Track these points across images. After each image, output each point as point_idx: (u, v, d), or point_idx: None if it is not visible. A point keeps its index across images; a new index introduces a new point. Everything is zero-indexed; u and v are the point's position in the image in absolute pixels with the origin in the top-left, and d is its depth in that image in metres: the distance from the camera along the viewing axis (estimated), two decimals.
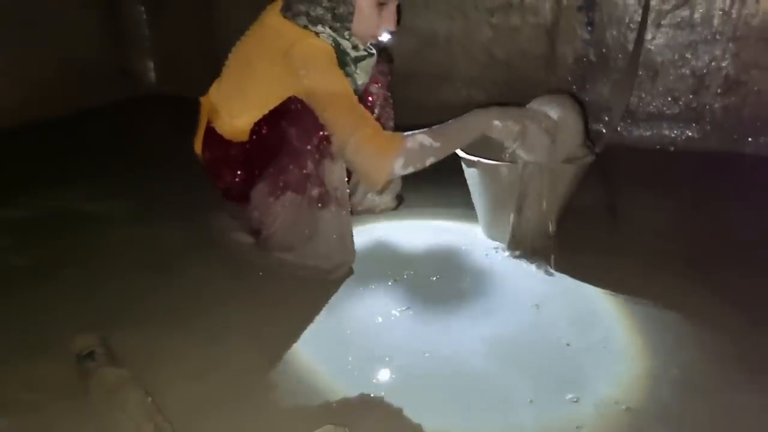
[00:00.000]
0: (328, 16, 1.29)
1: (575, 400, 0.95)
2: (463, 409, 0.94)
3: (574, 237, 1.50)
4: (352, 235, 1.38)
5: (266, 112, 1.30)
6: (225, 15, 2.93)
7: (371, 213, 1.68)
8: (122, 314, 1.22)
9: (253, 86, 1.34)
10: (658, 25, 2.12)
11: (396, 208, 1.71)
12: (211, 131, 1.40)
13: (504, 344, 1.10)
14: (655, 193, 1.82)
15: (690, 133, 2.19)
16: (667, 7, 2.09)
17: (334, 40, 1.31)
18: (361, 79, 1.41)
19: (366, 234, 1.55)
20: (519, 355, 1.07)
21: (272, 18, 1.34)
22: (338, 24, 1.31)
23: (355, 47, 1.36)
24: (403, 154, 1.24)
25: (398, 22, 1.56)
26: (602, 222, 1.63)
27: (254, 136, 1.33)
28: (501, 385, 0.99)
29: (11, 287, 1.34)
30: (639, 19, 2.06)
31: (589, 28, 2.23)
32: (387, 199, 1.70)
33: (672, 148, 2.21)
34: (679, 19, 2.10)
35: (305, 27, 1.29)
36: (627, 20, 2.17)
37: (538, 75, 2.36)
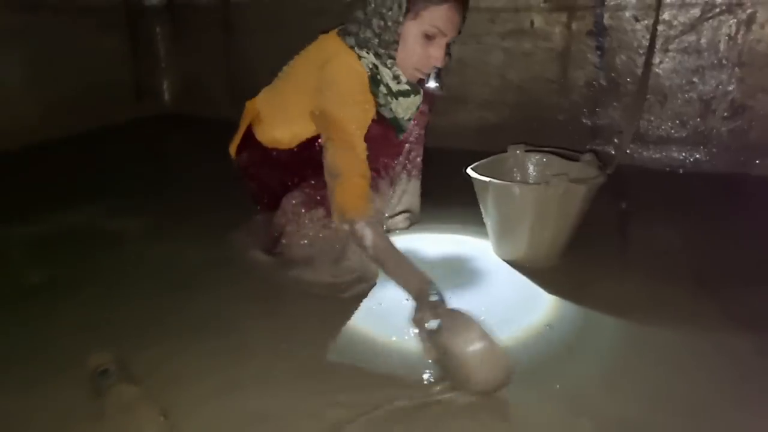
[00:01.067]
0: (375, 41, 1.30)
1: (586, 417, 0.97)
2: (477, 428, 0.95)
3: (585, 256, 1.53)
4: None
5: (305, 127, 1.32)
6: (242, 36, 3.01)
7: (387, 232, 1.72)
8: (139, 332, 1.23)
9: (293, 99, 1.38)
10: (666, 51, 2.17)
11: (408, 227, 1.75)
12: (251, 136, 1.44)
13: (518, 364, 1.13)
14: (664, 213, 1.84)
15: (698, 156, 2.23)
16: (674, 33, 2.14)
17: (375, 67, 1.32)
18: (401, 113, 1.39)
19: None
20: (534, 376, 1.09)
21: (328, 35, 1.37)
22: (383, 50, 1.31)
23: (396, 78, 1.35)
24: (352, 227, 1.22)
25: (448, 60, 1.58)
26: (613, 242, 1.65)
27: (303, 146, 1.36)
28: (514, 404, 1.01)
29: (28, 305, 1.35)
30: (647, 45, 2.11)
31: (599, 53, 2.29)
32: (401, 218, 1.73)
33: (681, 171, 2.25)
34: (686, 45, 2.15)
35: (351, 47, 1.31)
36: (635, 45, 2.22)
37: (550, 98, 2.41)
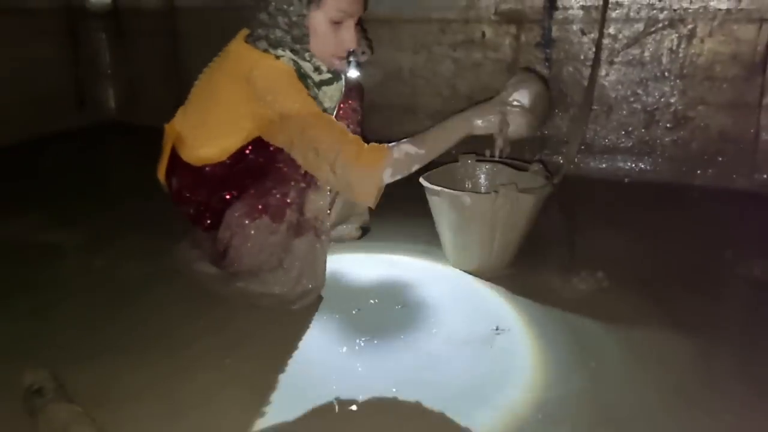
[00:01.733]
0: (288, 38, 1.30)
1: (539, 417, 0.97)
2: None
3: (535, 264, 1.54)
4: (326, 264, 1.38)
5: (233, 139, 1.29)
6: (189, 43, 2.94)
7: (337, 242, 1.69)
8: (77, 349, 1.18)
9: (216, 115, 1.34)
10: (611, 63, 2.23)
11: (360, 237, 1.73)
12: (177, 158, 1.39)
13: (465, 370, 1.12)
14: (610, 222, 1.88)
15: (643, 166, 2.29)
16: (618, 46, 2.20)
17: (295, 63, 1.32)
18: (327, 103, 1.40)
19: (330, 263, 1.55)
20: (479, 382, 1.09)
21: (235, 45, 1.35)
22: (297, 46, 1.31)
23: (317, 69, 1.35)
24: (391, 164, 1.25)
25: (369, 45, 1.59)
26: (561, 250, 1.67)
27: (236, 158, 1.32)
28: (463, 414, 1.00)
29: None
30: (593, 57, 2.16)
31: (547, 65, 2.33)
32: (351, 228, 1.71)
33: (627, 180, 2.30)
34: (630, 57, 2.21)
35: (265, 50, 1.30)
36: (582, 58, 2.27)
37: None
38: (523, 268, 1.53)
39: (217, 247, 1.40)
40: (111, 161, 2.67)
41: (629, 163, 2.31)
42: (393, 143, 1.30)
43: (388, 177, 1.27)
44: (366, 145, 1.28)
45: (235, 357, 1.16)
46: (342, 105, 1.52)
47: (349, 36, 1.33)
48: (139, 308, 1.34)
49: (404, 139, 1.30)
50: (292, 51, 1.32)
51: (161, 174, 1.45)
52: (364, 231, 1.73)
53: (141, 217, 1.86)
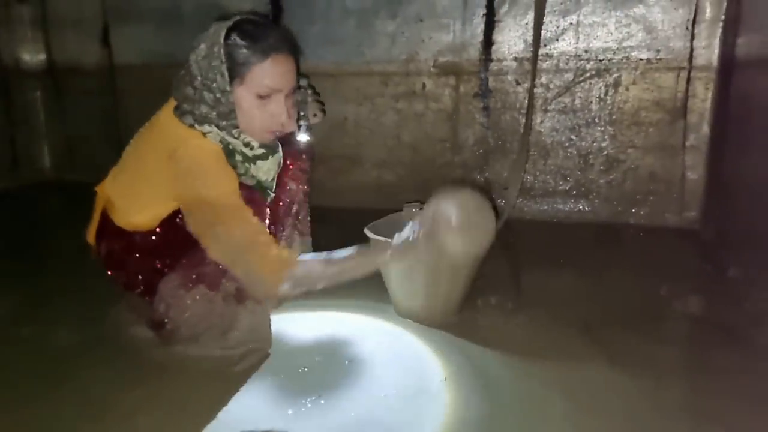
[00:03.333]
0: (213, 114, 1.24)
1: None
2: None
3: (481, 308, 1.57)
4: (270, 326, 1.35)
5: (164, 208, 1.26)
6: (128, 100, 2.91)
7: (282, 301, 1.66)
8: (2, 424, 1.10)
9: (144, 186, 1.30)
10: (546, 111, 2.34)
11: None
12: (107, 222, 1.35)
13: (415, 425, 1.10)
14: (553, 263, 1.93)
15: (581, 207, 2.37)
16: (551, 95, 2.31)
17: (222, 140, 1.26)
18: (262, 176, 1.35)
19: (275, 320, 1.53)
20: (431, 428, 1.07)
21: (164, 115, 1.30)
22: (224, 122, 1.25)
23: (247, 145, 1.29)
24: (292, 279, 1.19)
25: (321, 108, 1.57)
26: (506, 293, 1.70)
27: (166, 226, 1.29)
28: None
29: None
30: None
31: (486, 114, 2.41)
32: None
33: (567, 221, 2.38)
34: (562, 105, 2.32)
35: (191, 126, 1.25)
36: (518, 106, 2.37)
37: (444, 157, 2.50)
38: (469, 315, 1.54)
39: (154, 317, 1.35)
40: (43, 223, 2.55)
41: (568, 205, 2.39)
42: (306, 256, 1.24)
43: (287, 289, 1.21)
44: (275, 250, 1.21)
45: (174, 426, 1.10)
46: (291, 166, 1.50)
47: (278, 110, 1.26)
48: (70, 380, 1.26)
49: (319, 255, 1.24)
50: (219, 127, 1.25)
51: (90, 237, 1.40)
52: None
53: (72, 281, 1.78)
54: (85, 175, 3.13)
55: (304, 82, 1.50)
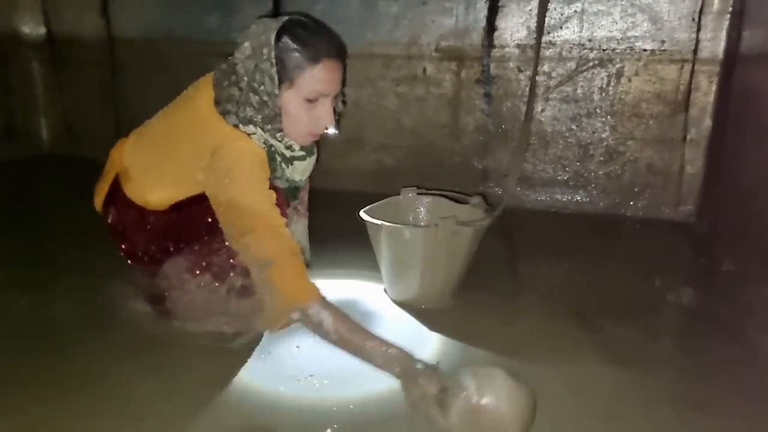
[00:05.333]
0: (258, 117, 1.21)
1: None
2: None
3: (476, 296, 1.56)
4: None
5: (184, 192, 1.25)
6: (128, 74, 2.88)
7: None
8: (1, 394, 1.11)
9: (172, 168, 1.28)
10: (547, 99, 2.33)
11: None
12: (118, 190, 1.33)
13: (404, 406, 1.11)
14: (550, 252, 1.93)
15: (579, 198, 2.38)
16: (553, 83, 2.30)
17: (266, 142, 1.24)
18: (297, 177, 1.34)
19: None
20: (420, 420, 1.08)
21: (206, 106, 1.25)
22: (269, 126, 1.23)
23: (289, 148, 1.28)
24: (303, 313, 1.13)
25: (338, 120, 1.54)
26: (502, 280, 1.70)
27: (183, 210, 1.28)
28: None
29: None
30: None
31: (487, 101, 2.40)
32: None
33: (565, 211, 2.38)
34: (564, 94, 2.31)
35: (235, 126, 1.22)
36: (519, 94, 2.36)
37: (443, 142, 2.49)
38: (464, 301, 1.54)
39: (155, 289, 1.35)
40: (41, 195, 2.54)
41: (567, 195, 2.39)
42: (327, 301, 1.15)
43: (297, 317, 1.15)
44: (302, 276, 1.17)
45: (167, 401, 1.11)
46: None
47: (324, 114, 1.25)
48: (68, 350, 1.27)
49: (338, 313, 1.14)
50: (264, 130, 1.24)
51: (98, 200, 1.38)
52: (305, 262, 1.71)
53: (72, 254, 1.78)
54: (83, 148, 3.13)
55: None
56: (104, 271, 1.51)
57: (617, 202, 2.33)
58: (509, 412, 0.97)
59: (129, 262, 1.39)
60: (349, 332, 1.11)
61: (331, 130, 1.35)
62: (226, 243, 1.23)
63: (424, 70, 2.45)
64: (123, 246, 1.37)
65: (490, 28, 2.34)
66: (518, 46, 2.32)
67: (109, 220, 1.37)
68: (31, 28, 3.01)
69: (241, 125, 1.22)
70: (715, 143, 2.11)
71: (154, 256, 1.33)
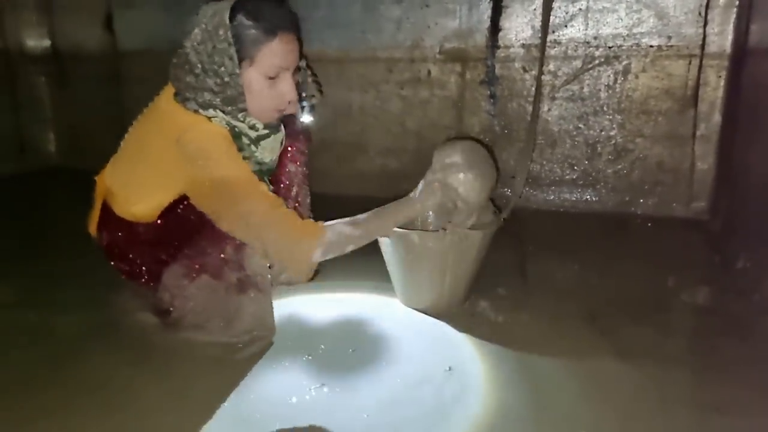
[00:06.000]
0: (217, 100, 1.23)
1: None
2: None
3: (487, 298, 1.55)
4: (273, 315, 1.34)
5: (165, 195, 1.25)
6: (133, 86, 2.90)
7: (288, 286, 1.65)
8: (9, 411, 1.10)
9: (147, 172, 1.29)
10: (553, 99, 2.31)
11: (312, 279, 1.69)
12: (108, 212, 1.34)
13: (419, 415, 1.09)
14: (560, 253, 1.91)
15: (588, 197, 2.35)
16: (558, 82, 2.28)
17: (228, 123, 1.26)
18: (267, 157, 1.36)
19: (280, 308, 1.52)
20: (432, 425, 1.06)
21: (165, 102, 1.29)
22: (230, 107, 1.25)
23: (253, 127, 1.30)
24: (324, 244, 1.21)
25: (318, 88, 1.57)
26: (512, 282, 1.68)
27: (168, 216, 1.27)
28: None
29: None
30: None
31: (492, 101, 2.39)
32: None
33: (574, 211, 2.36)
34: (570, 93, 2.29)
35: (196, 111, 1.24)
36: (525, 94, 2.34)
37: None
38: (475, 304, 1.52)
39: (159, 305, 1.35)
40: (49, 209, 2.55)
41: (575, 195, 2.37)
42: (329, 222, 1.26)
43: (319, 256, 1.21)
44: (300, 219, 1.24)
45: (177, 412, 1.10)
46: (290, 148, 1.50)
47: (287, 88, 1.27)
48: (79, 365, 1.26)
49: (341, 220, 1.27)
50: (224, 112, 1.25)
51: (92, 228, 1.39)
52: (315, 272, 1.70)
53: (79, 267, 1.77)
54: (91, 161, 3.11)
55: (302, 63, 1.50)
56: (111, 284, 1.50)
57: (627, 201, 2.30)
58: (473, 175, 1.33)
59: (131, 281, 1.39)
60: (364, 224, 1.29)
61: (307, 117, 1.43)
62: (214, 240, 1.24)
63: (429, 72, 2.44)
64: (121, 267, 1.37)
65: (494, 28, 2.33)
66: (523, 45, 2.30)
67: (104, 244, 1.37)
68: (37, 42, 3.04)
69: (201, 110, 1.24)
70: (726, 138, 2.08)
71: (150, 269, 1.33)
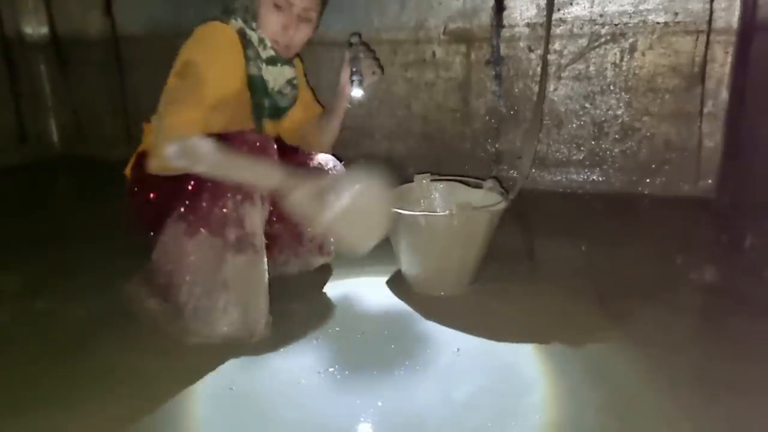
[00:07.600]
0: (236, 4, 1.40)
1: None
2: None
3: (494, 279, 1.55)
4: (267, 293, 1.32)
5: None
6: (135, 72, 2.88)
7: (304, 270, 1.65)
8: (19, 400, 1.11)
9: (167, 105, 1.30)
10: (559, 78, 2.28)
11: (327, 261, 1.69)
12: (141, 160, 1.36)
13: (428, 398, 1.10)
14: (567, 233, 1.91)
15: (595, 177, 2.34)
16: (564, 61, 2.26)
17: (240, 29, 1.38)
18: (271, 83, 1.45)
19: (289, 290, 1.53)
20: (439, 406, 1.07)
21: None
22: (248, 16, 1.40)
23: (261, 42, 1.41)
24: (180, 144, 1.19)
25: (378, 65, 1.55)
26: (520, 263, 1.68)
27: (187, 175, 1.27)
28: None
29: None
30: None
31: (498, 82, 2.36)
32: (316, 256, 1.67)
33: (581, 191, 2.35)
34: (576, 72, 2.26)
35: (215, 18, 1.36)
36: (531, 74, 2.32)
37: (454, 127, 2.46)
38: (483, 286, 1.52)
39: (160, 280, 1.35)
40: (54, 198, 2.55)
41: (582, 175, 2.35)
42: (211, 136, 1.20)
43: (172, 155, 1.18)
44: (192, 119, 1.23)
45: (186, 399, 1.11)
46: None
47: (287, 23, 1.38)
48: (85, 354, 1.27)
49: (221, 143, 1.21)
50: (243, 20, 1.39)
51: (127, 169, 1.43)
52: (327, 254, 1.70)
53: (85, 255, 1.78)
54: (94, 148, 3.14)
55: (356, 39, 1.55)
56: (119, 272, 1.51)
57: (634, 180, 2.29)
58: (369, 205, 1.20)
59: (139, 223, 1.41)
60: (232, 157, 1.22)
61: (357, 91, 1.50)
62: (213, 195, 1.25)
63: (433, 53, 2.42)
64: (133, 202, 1.40)
65: (499, 7, 2.30)
66: (528, 24, 2.28)
67: (129, 180, 1.41)
68: (35, 28, 3.02)
69: (222, 16, 1.39)
70: (734, 115, 2.06)
71: (156, 217, 1.34)
